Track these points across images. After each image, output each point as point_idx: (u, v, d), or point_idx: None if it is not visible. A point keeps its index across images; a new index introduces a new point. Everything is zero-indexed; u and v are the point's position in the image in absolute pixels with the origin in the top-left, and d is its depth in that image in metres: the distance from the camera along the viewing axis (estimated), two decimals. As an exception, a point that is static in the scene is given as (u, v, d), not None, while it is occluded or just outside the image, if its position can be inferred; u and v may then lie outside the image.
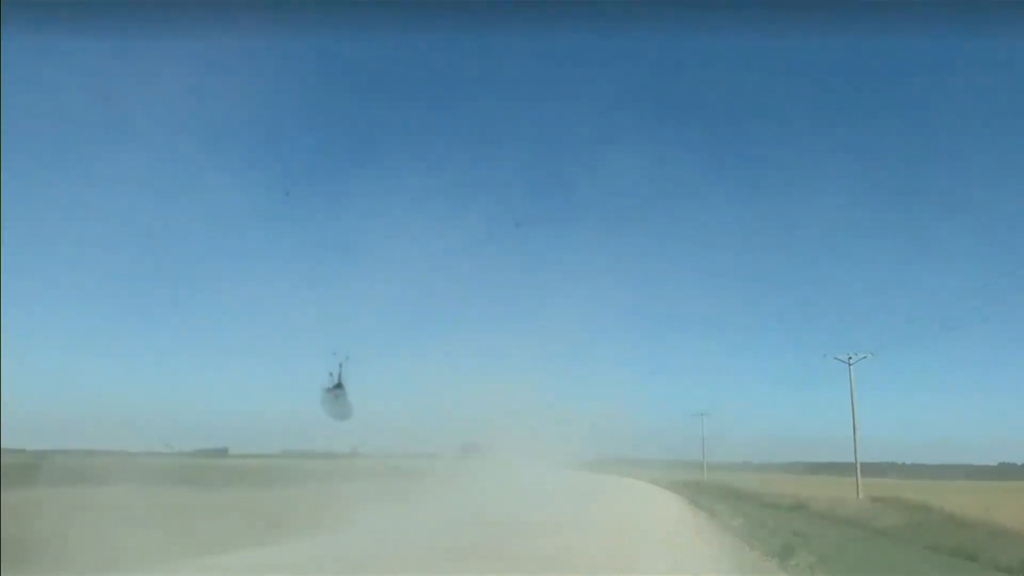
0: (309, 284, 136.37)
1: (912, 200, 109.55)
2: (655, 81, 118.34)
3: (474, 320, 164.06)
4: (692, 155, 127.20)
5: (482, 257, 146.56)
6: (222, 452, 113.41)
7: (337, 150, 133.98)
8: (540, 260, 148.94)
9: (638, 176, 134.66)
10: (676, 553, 16.83)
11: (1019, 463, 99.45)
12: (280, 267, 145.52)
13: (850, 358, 40.23)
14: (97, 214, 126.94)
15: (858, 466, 40.86)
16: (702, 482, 66.24)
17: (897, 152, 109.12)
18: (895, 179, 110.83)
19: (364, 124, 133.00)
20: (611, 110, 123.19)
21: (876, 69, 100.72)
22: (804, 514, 34.25)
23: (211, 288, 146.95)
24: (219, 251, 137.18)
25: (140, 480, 28.75)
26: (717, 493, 49.00)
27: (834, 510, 34.83)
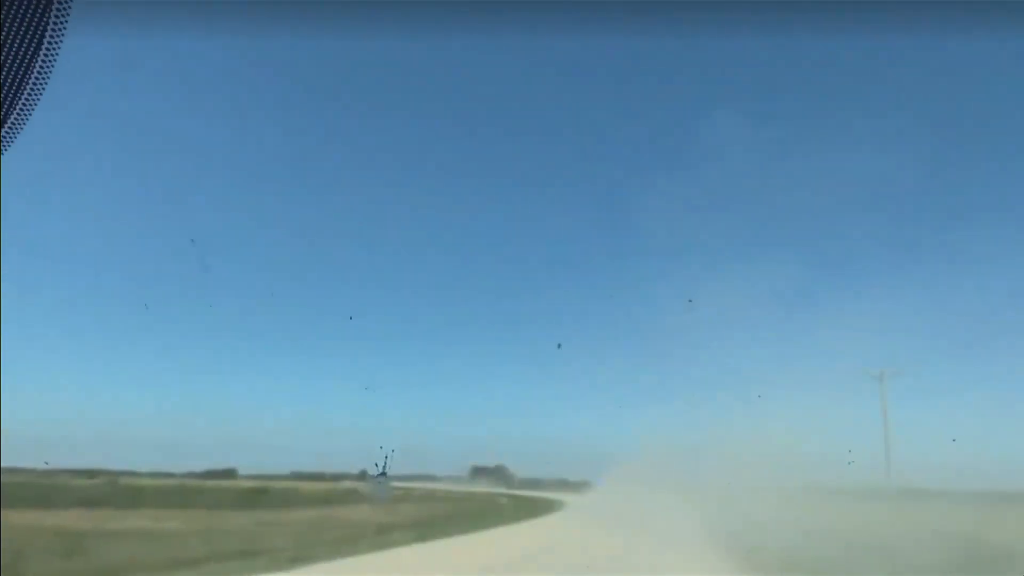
0: (325, 303, 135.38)
1: (951, 200, 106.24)
2: (672, 81, 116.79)
3: (499, 347, 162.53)
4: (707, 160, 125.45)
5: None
6: (230, 473, 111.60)
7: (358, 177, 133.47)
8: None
9: (659, 184, 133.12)
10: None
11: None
12: (294, 286, 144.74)
13: (882, 373, 37.36)
14: (111, 232, 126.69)
15: (892, 489, 37.74)
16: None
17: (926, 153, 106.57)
18: (930, 171, 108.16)
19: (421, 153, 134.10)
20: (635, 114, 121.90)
21: (908, 69, 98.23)
22: (835, 544, 31.24)
23: (219, 308, 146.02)
24: (232, 268, 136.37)
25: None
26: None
27: (865, 539, 31.88)
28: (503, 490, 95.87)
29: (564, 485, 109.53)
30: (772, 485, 68.53)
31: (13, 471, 76.43)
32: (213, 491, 44.90)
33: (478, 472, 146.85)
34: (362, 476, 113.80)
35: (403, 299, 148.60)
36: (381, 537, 22.90)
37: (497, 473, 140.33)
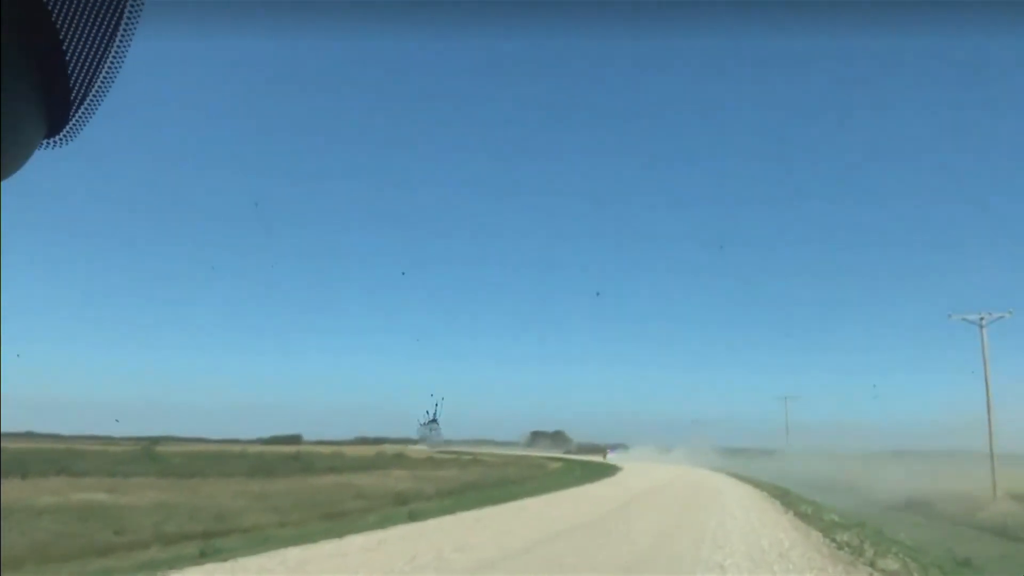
0: (392, 277, 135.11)
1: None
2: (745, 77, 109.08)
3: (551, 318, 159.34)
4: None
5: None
6: (296, 439, 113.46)
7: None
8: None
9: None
10: None
11: None
12: (361, 254, 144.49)
13: (982, 319, 31.75)
14: (179, 199, 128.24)
15: (993, 455, 32.51)
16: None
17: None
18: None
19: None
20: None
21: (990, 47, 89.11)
22: (930, 518, 26.76)
23: (287, 278, 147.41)
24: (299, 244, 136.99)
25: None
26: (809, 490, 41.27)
27: (968, 513, 27.27)
28: (559, 454, 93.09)
29: (623, 450, 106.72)
30: (834, 451, 63.26)
31: (32, 436, 78.06)
32: (244, 457, 43.20)
33: (537, 437, 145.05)
34: (421, 439, 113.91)
35: (467, 275, 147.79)
36: (382, 511, 19.80)
37: (555, 438, 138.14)
